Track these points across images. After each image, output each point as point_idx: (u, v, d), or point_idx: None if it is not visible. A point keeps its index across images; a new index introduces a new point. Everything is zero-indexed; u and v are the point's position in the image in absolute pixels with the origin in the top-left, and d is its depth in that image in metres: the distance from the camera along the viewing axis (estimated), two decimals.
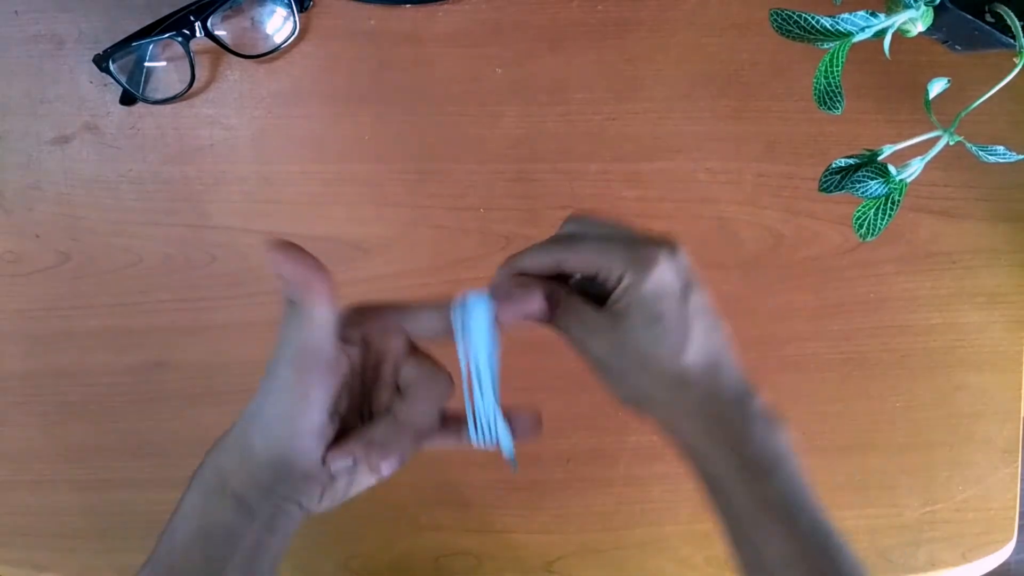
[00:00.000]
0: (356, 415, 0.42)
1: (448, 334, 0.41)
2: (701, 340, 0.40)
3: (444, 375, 0.42)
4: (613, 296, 0.41)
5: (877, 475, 0.67)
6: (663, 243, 0.41)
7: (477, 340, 0.41)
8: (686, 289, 0.41)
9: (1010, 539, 0.69)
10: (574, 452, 0.66)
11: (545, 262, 0.43)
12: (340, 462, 0.40)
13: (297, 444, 0.39)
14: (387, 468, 0.41)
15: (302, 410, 0.39)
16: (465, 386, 0.42)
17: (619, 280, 0.40)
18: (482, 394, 0.42)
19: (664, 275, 0.40)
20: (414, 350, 0.42)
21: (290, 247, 0.38)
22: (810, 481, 0.42)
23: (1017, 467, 0.67)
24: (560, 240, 0.44)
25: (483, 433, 0.43)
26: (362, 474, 0.43)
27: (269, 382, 0.40)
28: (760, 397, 0.42)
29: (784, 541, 0.39)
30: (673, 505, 0.66)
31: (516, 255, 0.44)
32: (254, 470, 0.40)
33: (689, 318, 0.40)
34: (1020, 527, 0.70)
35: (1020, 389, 0.66)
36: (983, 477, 0.67)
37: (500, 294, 0.41)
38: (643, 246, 0.41)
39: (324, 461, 0.40)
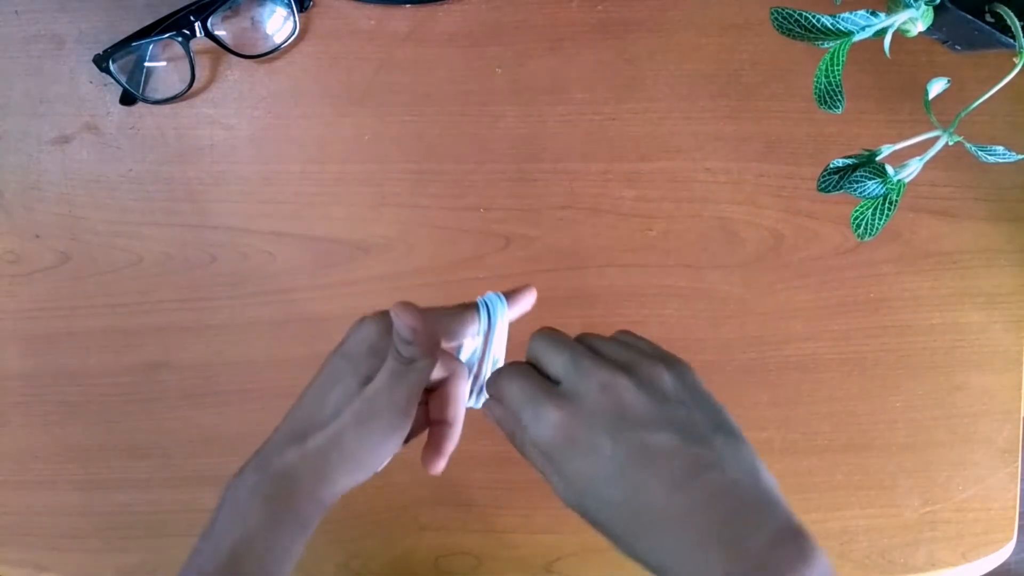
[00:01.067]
0: None
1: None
2: (659, 505, 0.35)
3: (462, 368, 0.46)
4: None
5: (877, 475, 0.67)
6: (576, 383, 0.38)
7: (500, 330, 0.46)
8: (612, 449, 0.36)
9: (1010, 539, 0.68)
10: None
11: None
12: (438, 464, 0.47)
13: (374, 471, 0.43)
14: (441, 466, 0.48)
15: (395, 445, 0.43)
16: (475, 365, 0.47)
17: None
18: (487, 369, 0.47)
19: (557, 433, 0.38)
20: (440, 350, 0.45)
21: (415, 310, 0.42)
22: None
23: (1017, 467, 0.67)
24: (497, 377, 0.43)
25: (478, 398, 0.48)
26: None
27: (362, 426, 0.42)
28: (773, 524, 0.33)
29: None
30: None
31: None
32: (327, 498, 0.42)
33: (629, 483, 0.36)
34: (1020, 527, 0.70)
35: (1020, 389, 0.66)
36: (983, 477, 0.67)
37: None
38: (536, 398, 0.39)
39: (424, 464, 0.47)
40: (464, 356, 0.47)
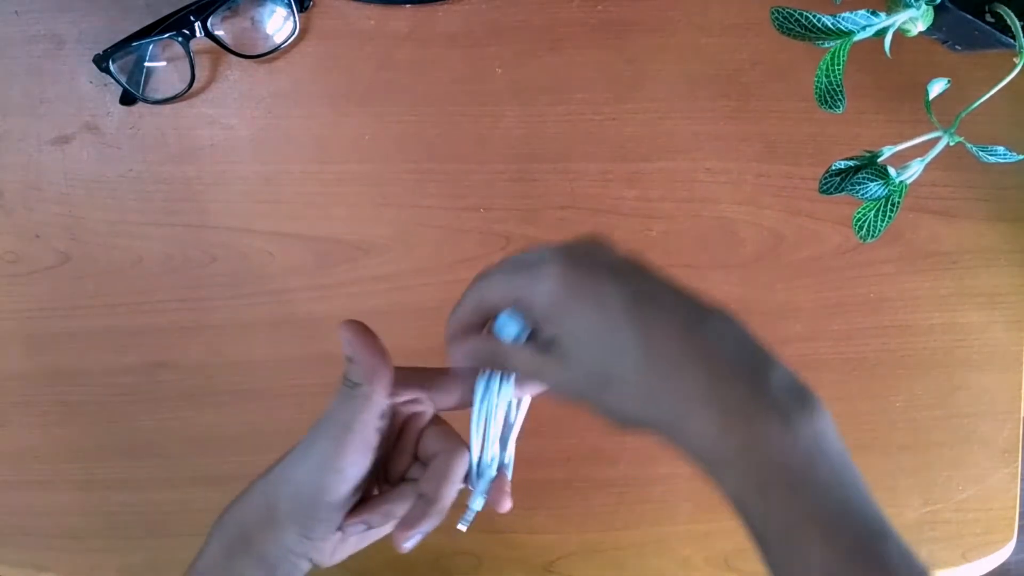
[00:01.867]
0: (373, 479, 0.44)
1: (468, 404, 0.43)
2: (674, 345, 0.34)
3: (464, 449, 0.43)
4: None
5: (877, 475, 0.67)
6: (558, 249, 0.37)
7: (499, 407, 0.43)
8: (617, 291, 0.35)
9: (1010, 539, 0.69)
10: (574, 452, 0.66)
11: (466, 312, 0.41)
12: (355, 527, 0.43)
13: (323, 514, 0.41)
14: (411, 544, 0.44)
15: (336, 483, 0.41)
16: (474, 443, 0.44)
17: (539, 312, 0.37)
18: (490, 450, 0.44)
19: (567, 294, 0.36)
20: (436, 420, 0.44)
21: (362, 330, 0.40)
22: (854, 470, 0.35)
23: (1017, 467, 0.67)
24: (472, 282, 0.40)
25: (473, 482, 0.45)
26: (371, 535, 0.45)
27: (306, 450, 0.42)
28: (780, 371, 0.34)
29: (825, 559, 0.32)
30: (673, 505, 0.66)
31: (450, 315, 0.42)
32: (279, 533, 0.42)
33: (641, 322, 0.35)
34: (1020, 527, 0.70)
35: (1020, 389, 0.66)
36: (983, 477, 0.67)
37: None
38: (530, 263, 0.36)
39: (341, 527, 0.43)
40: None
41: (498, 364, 0.41)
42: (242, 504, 0.44)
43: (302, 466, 0.42)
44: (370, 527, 0.43)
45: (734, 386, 0.33)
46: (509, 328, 0.40)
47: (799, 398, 0.34)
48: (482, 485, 0.45)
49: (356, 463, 0.41)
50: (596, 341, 0.35)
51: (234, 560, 0.42)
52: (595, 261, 0.37)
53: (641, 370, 0.34)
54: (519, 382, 0.42)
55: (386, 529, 0.45)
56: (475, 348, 0.41)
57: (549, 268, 0.35)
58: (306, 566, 0.44)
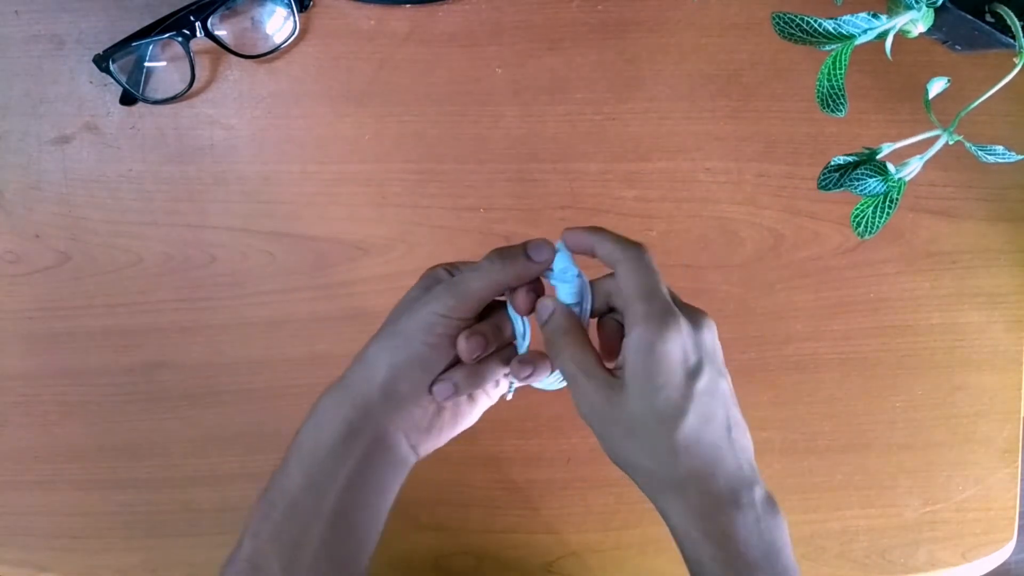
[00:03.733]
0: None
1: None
2: (700, 421, 0.39)
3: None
4: (626, 345, 0.40)
5: (877, 475, 0.67)
6: (694, 314, 0.42)
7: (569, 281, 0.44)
8: (698, 367, 0.40)
9: (1010, 539, 0.69)
10: (574, 452, 0.66)
11: (587, 240, 0.43)
12: (444, 388, 0.43)
13: (417, 365, 0.43)
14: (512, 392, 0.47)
15: (437, 351, 0.43)
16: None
17: (633, 335, 0.40)
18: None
19: (677, 345, 0.39)
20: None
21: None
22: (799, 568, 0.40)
23: (1017, 467, 0.67)
24: (608, 234, 0.43)
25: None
26: (463, 408, 0.47)
27: (415, 314, 0.43)
28: (761, 488, 0.40)
29: None
30: None
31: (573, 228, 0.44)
32: (377, 408, 0.43)
33: (693, 396, 0.39)
34: (1020, 527, 0.70)
35: (1020, 389, 0.66)
36: (983, 477, 0.67)
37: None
38: (667, 309, 0.40)
39: (431, 390, 0.44)
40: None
41: (564, 345, 0.43)
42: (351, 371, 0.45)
43: (412, 319, 0.43)
44: (457, 390, 0.44)
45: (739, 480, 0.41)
46: (566, 289, 0.44)
47: (774, 507, 0.41)
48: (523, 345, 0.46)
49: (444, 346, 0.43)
50: (661, 398, 0.39)
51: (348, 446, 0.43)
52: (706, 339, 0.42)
53: (664, 435, 0.39)
54: (563, 370, 0.43)
55: (475, 411, 0.48)
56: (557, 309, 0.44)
57: (685, 329, 0.41)
58: (401, 442, 0.44)
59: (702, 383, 0.40)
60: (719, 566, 0.38)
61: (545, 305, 0.44)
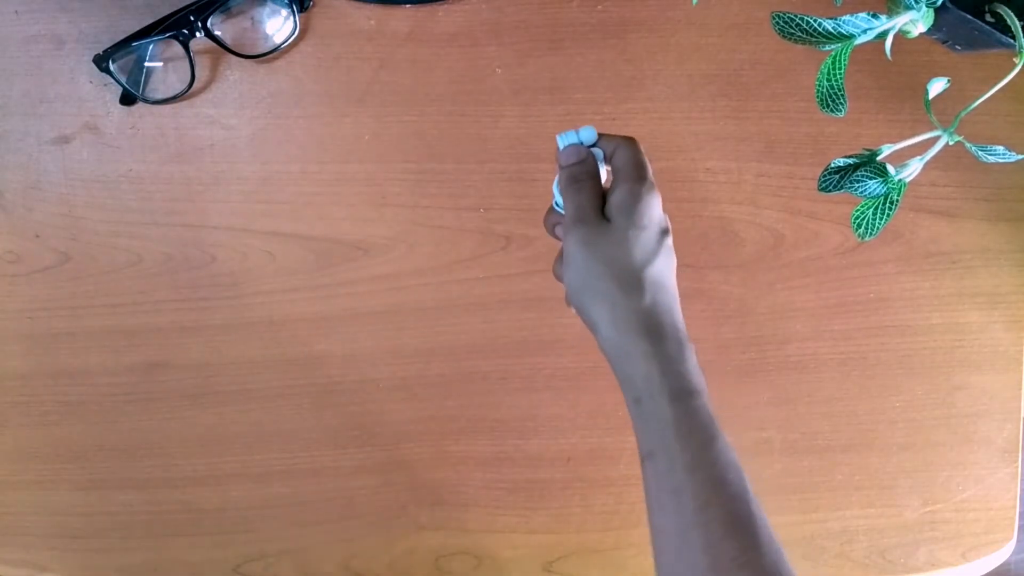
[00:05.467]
0: None
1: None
2: (665, 268, 0.47)
3: None
4: (613, 197, 0.47)
5: (877, 475, 0.67)
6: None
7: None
8: (668, 230, 0.48)
9: (1010, 539, 0.69)
10: (574, 452, 0.66)
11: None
12: None
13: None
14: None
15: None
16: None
17: (621, 187, 0.47)
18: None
19: (657, 204, 0.47)
20: None
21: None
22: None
23: (1017, 467, 0.67)
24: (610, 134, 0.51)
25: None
26: None
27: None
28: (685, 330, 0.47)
29: (703, 462, 0.42)
30: None
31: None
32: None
33: (663, 247, 0.47)
34: (1020, 527, 0.70)
35: (1020, 389, 0.66)
36: (983, 477, 0.67)
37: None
38: (652, 180, 0.48)
39: None
40: None
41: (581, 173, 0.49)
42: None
43: None
44: None
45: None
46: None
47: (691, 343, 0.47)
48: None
49: None
50: (641, 236, 0.46)
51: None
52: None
53: (636, 267, 0.46)
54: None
55: None
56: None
57: (659, 198, 0.48)
58: None
59: (669, 241, 0.48)
60: (660, 385, 0.43)
61: (575, 151, 0.50)
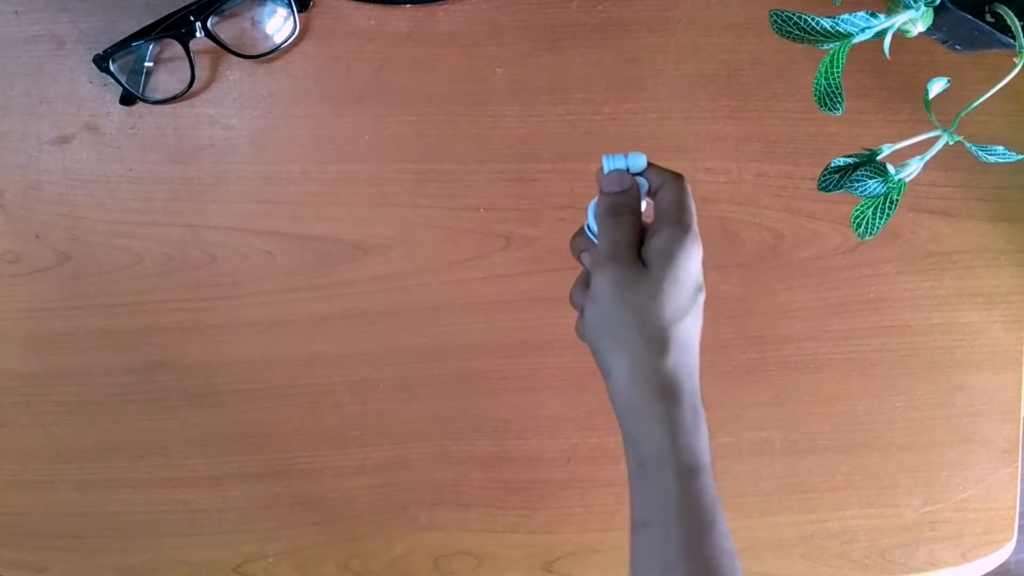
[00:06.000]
0: None
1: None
2: (692, 326, 0.45)
3: None
4: (655, 241, 0.44)
5: (877, 475, 0.67)
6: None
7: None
8: (702, 286, 0.46)
9: (1010, 539, 0.69)
10: (574, 452, 0.66)
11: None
12: None
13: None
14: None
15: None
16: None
17: (663, 232, 0.44)
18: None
19: (697, 256, 0.45)
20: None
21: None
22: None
23: (1017, 467, 0.67)
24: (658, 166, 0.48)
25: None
26: None
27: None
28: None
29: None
30: None
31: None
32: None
33: (696, 305, 0.45)
34: (1020, 527, 0.70)
35: (1020, 389, 0.66)
36: (983, 477, 0.67)
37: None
38: (695, 229, 0.45)
39: None
40: None
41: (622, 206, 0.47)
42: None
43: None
44: None
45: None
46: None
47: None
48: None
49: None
50: (677, 290, 0.44)
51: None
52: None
53: (665, 323, 0.43)
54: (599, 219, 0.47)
55: None
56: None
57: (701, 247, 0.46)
58: None
59: (702, 299, 0.45)
60: (668, 455, 0.41)
61: (620, 179, 0.47)
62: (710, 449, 0.43)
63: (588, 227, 0.49)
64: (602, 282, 0.44)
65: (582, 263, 0.48)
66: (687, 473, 0.41)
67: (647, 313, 0.43)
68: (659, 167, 0.47)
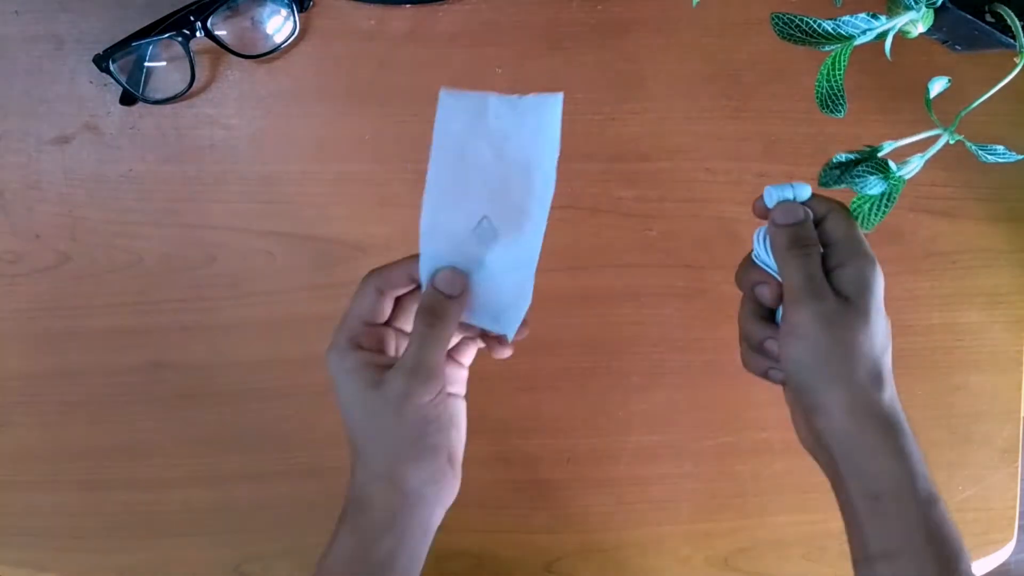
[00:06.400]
0: None
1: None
2: (890, 355, 0.46)
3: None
4: (848, 272, 0.44)
5: None
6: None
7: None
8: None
9: (1010, 539, 0.69)
10: (574, 452, 0.66)
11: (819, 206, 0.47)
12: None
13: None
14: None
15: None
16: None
17: (854, 263, 0.44)
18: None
19: (882, 282, 0.45)
20: None
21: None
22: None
23: (1017, 467, 0.67)
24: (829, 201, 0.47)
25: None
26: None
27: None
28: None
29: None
30: (673, 505, 0.66)
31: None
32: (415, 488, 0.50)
33: (889, 331, 0.46)
34: (1020, 527, 0.70)
35: (1020, 389, 0.66)
36: (983, 477, 0.67)
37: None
38: (873, 255, 0.45)
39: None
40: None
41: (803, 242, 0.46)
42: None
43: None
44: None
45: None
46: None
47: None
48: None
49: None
50: (880, 324, 0.45)
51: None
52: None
53: (877, 357, 0.44)
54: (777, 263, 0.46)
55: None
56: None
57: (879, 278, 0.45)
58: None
59: (888, 324, 0.46)
60: (909, 485, 0.42)
61: (794, 210, 0.46)
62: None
63: (757, 257, 0.47)
64: (808, 319, 0.43)
65: (758, 296, 0.47)
66: (929, 502, 0.42)
67: (860, 347, 0.43)
68: (822, 196, 0.46)
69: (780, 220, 0.45)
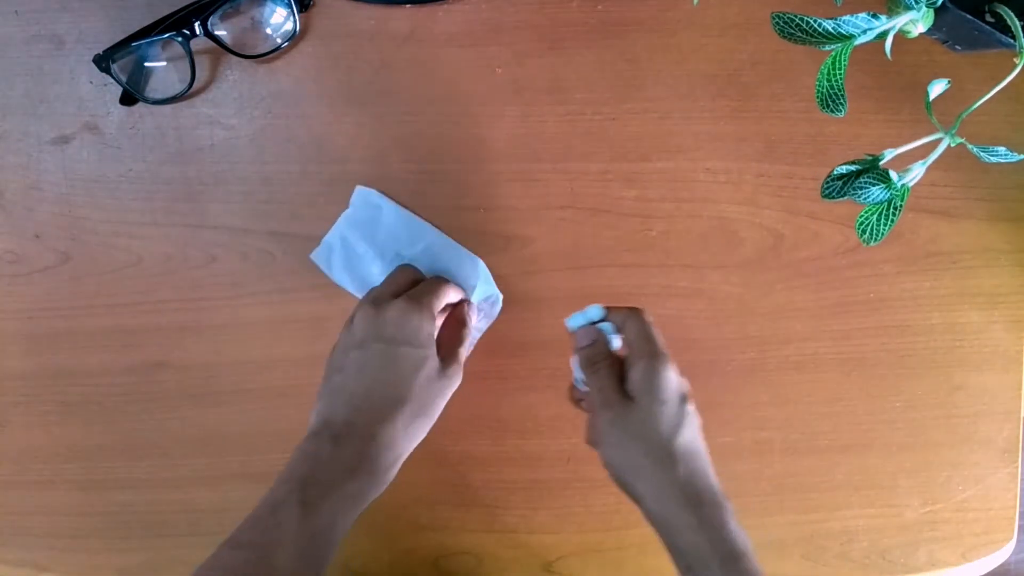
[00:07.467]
0: None
1: None
2: (690, 434, 0.50)
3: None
4: (632, 374, 0.51)
5: (877, 475, 0.67)
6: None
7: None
8: (686, 396, 0.51)
9: (1010, 539, 0.69)
10: (574, 452, 0.66)
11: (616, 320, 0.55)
12: None
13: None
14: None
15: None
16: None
17: (638, 364, 0.51)
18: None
19: (673, 374, 0.51)
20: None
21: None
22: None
23: (1017, 467, 0.67)
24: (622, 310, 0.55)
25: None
26: None
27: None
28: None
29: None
30: None
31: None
32: (387, 440, 0.56)
33: (685, 414, 0.50)
34: (1020, 527, 0.70)
35: (1020, 389, 0.66)
36: (983, 477, 0.67)
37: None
38: (663, 350, 0.52)
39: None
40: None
41: (594, 356, 0.54)
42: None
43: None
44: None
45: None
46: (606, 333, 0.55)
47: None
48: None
49: None
50: (665, 411, 0.50)
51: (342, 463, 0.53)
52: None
53: (666, 440, 0.50)
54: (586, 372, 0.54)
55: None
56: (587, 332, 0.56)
57: (673, 365, 0.52)
58: None
59: (691, 406, 0.51)
60: (714, 556, 0.46)
61: (587, 333, 0.55)
62: (744, 534, 0.48)
63: (576, 380, 0.56)
64: (605, 425, 0.51)
65: (582, 409, 0.57)
66: (728, 562, 0.46)
67: (648, 438, 0.49)
68: (616, 308, 0.54)
69: (577, 344, 0.54)
